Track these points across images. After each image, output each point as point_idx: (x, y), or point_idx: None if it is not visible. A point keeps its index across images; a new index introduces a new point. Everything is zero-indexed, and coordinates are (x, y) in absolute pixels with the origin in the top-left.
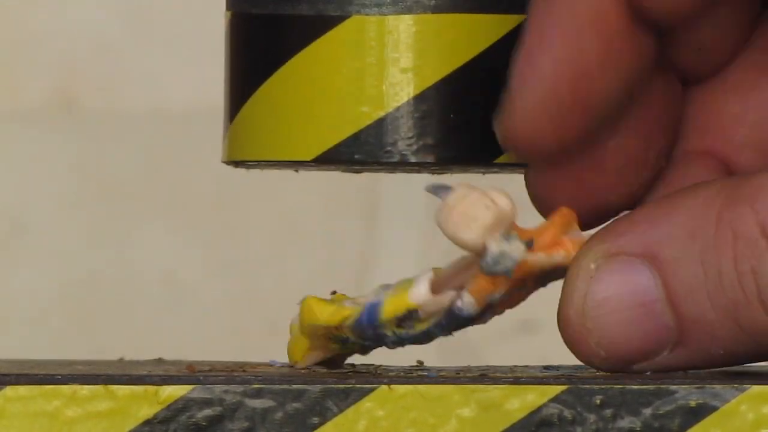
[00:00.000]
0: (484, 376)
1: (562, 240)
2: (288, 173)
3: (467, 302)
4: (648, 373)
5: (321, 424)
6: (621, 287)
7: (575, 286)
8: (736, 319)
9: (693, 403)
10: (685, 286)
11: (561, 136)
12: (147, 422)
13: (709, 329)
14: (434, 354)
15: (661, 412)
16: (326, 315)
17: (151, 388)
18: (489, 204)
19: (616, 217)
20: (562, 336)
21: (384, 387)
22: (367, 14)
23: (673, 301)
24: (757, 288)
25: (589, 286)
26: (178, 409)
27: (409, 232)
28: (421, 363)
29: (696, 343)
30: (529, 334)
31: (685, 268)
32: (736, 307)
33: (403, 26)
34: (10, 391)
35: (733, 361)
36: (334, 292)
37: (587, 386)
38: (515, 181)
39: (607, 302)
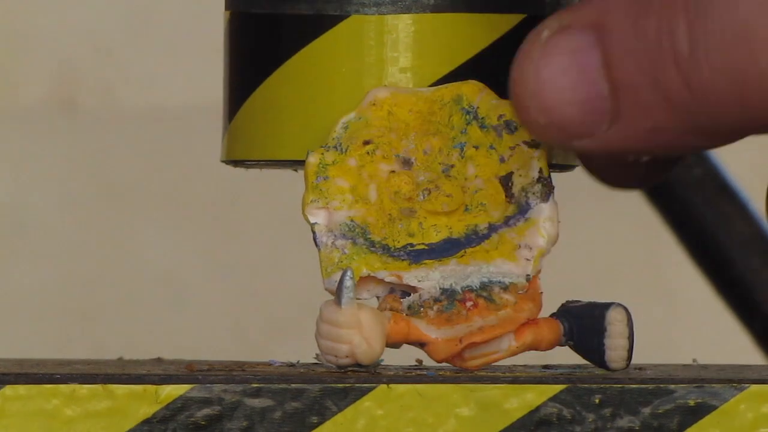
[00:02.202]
0: (483, 375)
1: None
2: (288, 173)
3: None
4: (648, 373)
5: (320, 423)
6: (564, 54)
7: (524, 52)
8: (655, 80)
9: (692, 402)
10: (619, 50)
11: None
12: (146, 421)
13: (636, 95)
14: None
15: (660, 411)
16: None
17: (150, 388)
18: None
19: None
20: (510, 99)
21: (383, 386)
22: (366, 14)
23: (608, 66)
24: (672, 49)
25: (537, 52)
26: (177, 408)
27: None
28: (420, 362)
29: (628, 111)
30: None
31: (622, 32)
32: (655, 68)
33: (402, 26)
34: (9, 390)
35: (665, 142)
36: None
37: (586, 385)
38: None
39: (549, 67)
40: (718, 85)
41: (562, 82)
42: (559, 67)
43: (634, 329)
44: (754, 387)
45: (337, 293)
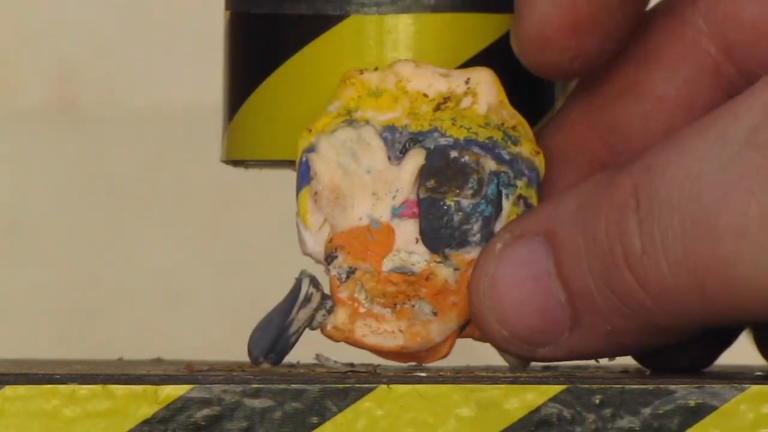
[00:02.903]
0: (483, 375)
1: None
2: (288, 173)
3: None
4: (648, 373)
5: (320, 423)
6: (518, 265)
7: (480, 266)
8: (609, 285)
9: (692, 403)
10: (570, 258)
11: (578, 40)
12: (146, 422)
13: (591, 301)
14: None
15: (660, 411)
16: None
17: (149, 388)
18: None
19: None
20: (471, 313)
21: (383, 386)
22: (365, 14)
23: (561, 275)
24: (623, 250)
25: (493, 266)
26: (176, 408)
27: None
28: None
29: (586, 318)
30: None
31: (572, 240)
32: (608, 273)
33: (402, 25)
34: (9, 390)
35: (628, 342)
36: None
37: (586, 386)
38: None
39: (504, 280)
40: (677, 279)
41: (519, 293)
42: (515, 279)
43: None
44: (754, 387)
45: None
